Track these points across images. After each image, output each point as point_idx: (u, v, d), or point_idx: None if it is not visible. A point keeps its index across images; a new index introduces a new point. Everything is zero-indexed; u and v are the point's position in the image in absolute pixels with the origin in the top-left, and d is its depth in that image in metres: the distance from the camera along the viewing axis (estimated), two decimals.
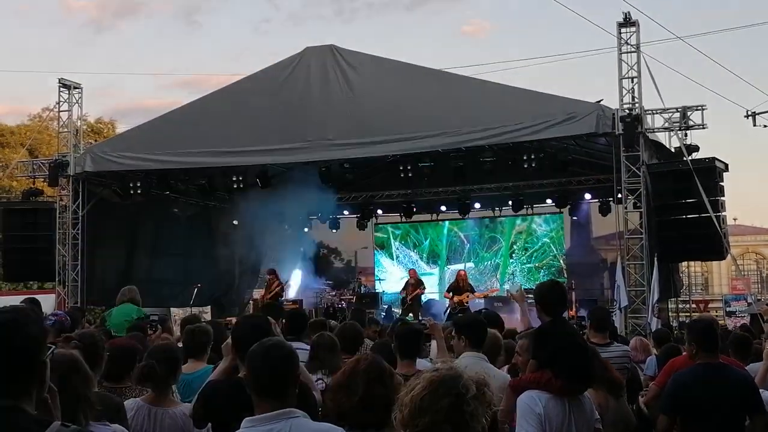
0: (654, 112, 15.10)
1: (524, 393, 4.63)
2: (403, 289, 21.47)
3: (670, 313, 18.51)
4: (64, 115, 18.85)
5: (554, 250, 24.07)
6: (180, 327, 7.85)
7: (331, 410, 3.72)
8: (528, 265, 24.14)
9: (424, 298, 23.65)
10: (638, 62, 14.99)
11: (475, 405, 2.50)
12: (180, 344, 6.41)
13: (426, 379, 2.60)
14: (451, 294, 19.72)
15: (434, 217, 24.89)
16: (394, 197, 23.36)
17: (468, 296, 19.39)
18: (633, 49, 15.08)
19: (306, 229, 25.76)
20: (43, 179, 19.17)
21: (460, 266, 23.19)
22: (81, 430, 2.27)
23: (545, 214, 23.94)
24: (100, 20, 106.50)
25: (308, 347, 6.27)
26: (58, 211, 18.42)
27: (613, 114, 14.78)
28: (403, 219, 24.62)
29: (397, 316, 18.63)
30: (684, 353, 7.61)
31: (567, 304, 5.31)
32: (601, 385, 5.44)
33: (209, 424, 4.49)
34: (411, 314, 18.92)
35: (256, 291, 23.39)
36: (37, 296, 14.74)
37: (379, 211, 24.79)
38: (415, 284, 20.99)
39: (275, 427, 3.32)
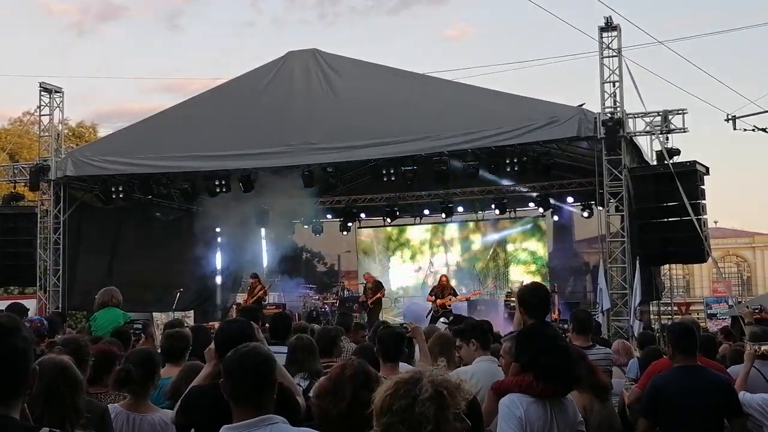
0: (635, 115, 15.17)
1: (506, 396, 4.63)
2: (363, 293, 21.43)
3: (651, 316, 18.61)
4: (45, 119, 18.75)
5: (537, 253, 24.16)
6: (163, 332, 7.81)
7: (318, 417, 3.71)
8: (511, 269, 24.21)
9: (406, 301, 23.71)
10: (620, 66, 15.09)
11: (427, 407, 2.52)
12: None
13: (392, 380, 2.65)
14: (433, 297, 19.72)
15: (417, 220, 24.93)
16: (377, 201, 23.38)
17: (450, 299, 19.40)
18: (614, 54, 15.16)
19: (289, 234, 25.75)
20: (23, 184, 19.06)
21: (443, 270, 23.24)
22: None
23: (528, 217, 24.04)
24: (81, 24, 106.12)
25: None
26: (39, 216, 18.31)
27: (595, 118, 14.86)
28: (387, 222, 24.64)
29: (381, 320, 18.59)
30: (665, 356, 7.70)
31: (550, 307, 5.32)
32: (586, 388, 5.45)
33: (192, 430, 4.48)
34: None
35: (239, 295, 23.32)
36: (17, 301, 14.66)
37: (362, 215, 24.80)
38: (373, 288, 20.87)
39: None
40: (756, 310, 17.18)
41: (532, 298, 5.13)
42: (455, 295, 19.75)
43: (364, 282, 21.72)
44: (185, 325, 9.10)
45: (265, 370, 3.48)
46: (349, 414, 3.49)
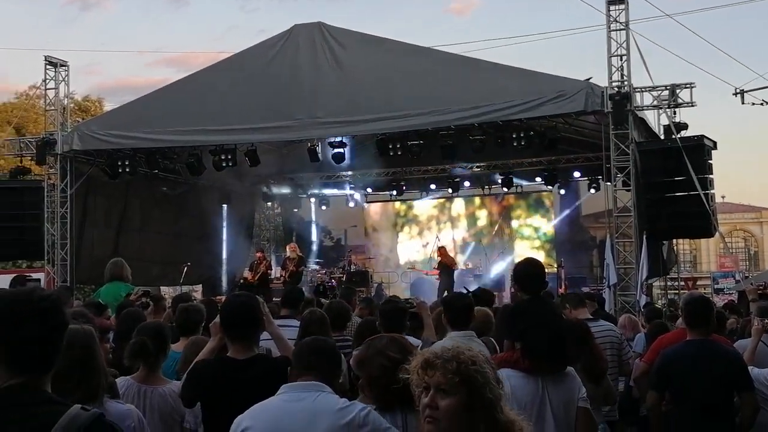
0: (643, 90, 15.06)
1: None
2: (283, 266, 20.47)
3: (656, 291, 18.61)
4: (50, 93, 18.69)
5: (543, 228, 24.15)
6: (172, 305, 7.82)
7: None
8: (517, 243, 24.22)
9: (413, 276, 23.71)
10: (627, 40, 14.95)
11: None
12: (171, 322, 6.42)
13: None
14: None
15: (423, 195, 24.89)
16: (384, 175, 23.33)
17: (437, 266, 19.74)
18: (622, 27, 15.03)
19: (295, 209, 25.79)
20: (30, 158, 19.04)
21: (450, 245, 23.26)
22: (100, 413, 2.27)
23: (534, 192, 24.01)
24: None
25: (297, 325, 6.32)
26: (46, 190, 18.29)
27: (602, 92, 14.74)
28: (393, 197, 24.63)
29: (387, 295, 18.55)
30: (672, 330, 7.71)
31: (543, 283, 5.21)
32: (581, 373, 5.41)
33: (198, 403, 4.50)
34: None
35: (245, 270, 23.37)
36: (25, 275, 14.74)
37: (369, 190, 24.78)
38: (296, 260, 19.74)
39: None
40: (760, 288, 17.14)
41: (522, 274, 5.08)
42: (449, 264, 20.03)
43: (288, 252, 20.53)
44: (194, 299, 9.10)
45: (332, 353, 3.81)
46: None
